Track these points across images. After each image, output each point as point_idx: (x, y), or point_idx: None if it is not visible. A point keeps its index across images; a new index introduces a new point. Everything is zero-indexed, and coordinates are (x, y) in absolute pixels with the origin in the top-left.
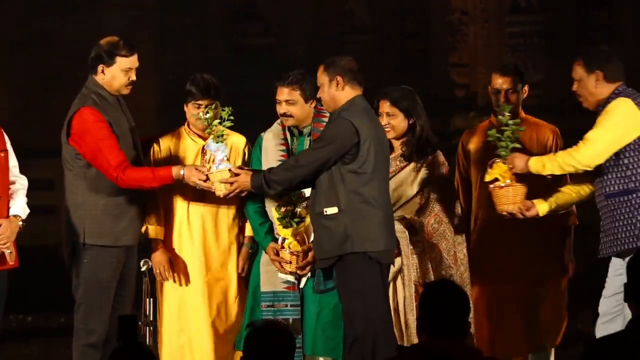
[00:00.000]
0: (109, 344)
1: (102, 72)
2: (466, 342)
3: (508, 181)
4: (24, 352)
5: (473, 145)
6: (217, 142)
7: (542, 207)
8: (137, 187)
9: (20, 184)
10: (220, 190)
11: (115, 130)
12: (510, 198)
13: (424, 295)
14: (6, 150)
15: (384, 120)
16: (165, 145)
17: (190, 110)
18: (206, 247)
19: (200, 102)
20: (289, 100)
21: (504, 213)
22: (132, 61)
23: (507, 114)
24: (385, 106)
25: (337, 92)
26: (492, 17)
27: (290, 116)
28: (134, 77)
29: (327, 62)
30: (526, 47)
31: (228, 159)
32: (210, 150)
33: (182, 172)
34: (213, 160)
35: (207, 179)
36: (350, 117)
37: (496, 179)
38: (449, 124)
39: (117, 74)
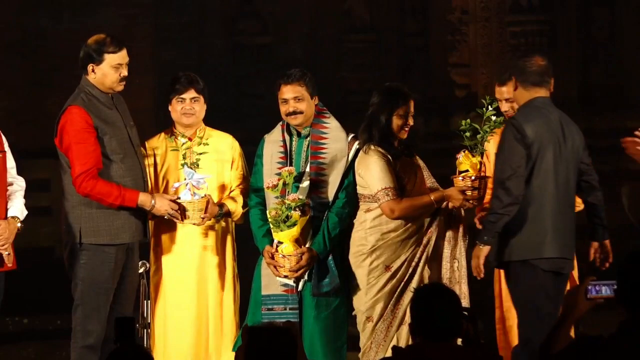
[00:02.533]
0: (107, 346)
1: (93, 71)
2: (458, 344)
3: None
4: (22, 354)
5: (493, 146)
6: (191, 169)
7: None
8: (97, 199)
9: (18, 185)
10: (194, 219)
11: (102, 130)
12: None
13: (415, 299)
14: (4, 152)
15: (410, 121)
16: (150, 147)
17: (174, 106)
18: (201, 252)
19: (183, 95)
20: (297, 97)
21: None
22: (122, 56)
23: (492, 109)
24: (413, 106)
25: (515, 93)
26: (493, 16)
27: (300, 113)
28: (125, 73)
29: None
30: (527, 46)
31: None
32: (187, 177)
33: (152, 202)
34: (192, 191)
35: (179, 208)
36: (518, 118)
37: (466, 171)
38: (448, 124)
39: (108, 72)
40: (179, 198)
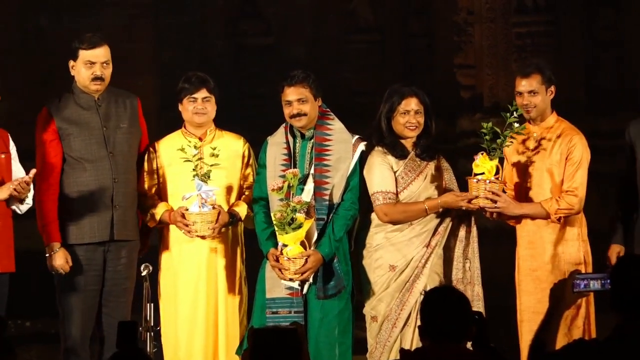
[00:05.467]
0: (97, 347)
1: (73, 68)
2: (467, 347)
3: (492, 178)
4: (24, 357)
5: (509, 148)
6: (201, 181)
7: None
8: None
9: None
10: (203, 231)
11: (65, 130)
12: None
13: (425, 301)
14: (8, 153)
15: (410, 118)
16: (159, 149)
17: (186, 106)
18: (210, 254)
19: (195, 95)
20: (301, 99)
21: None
22: (94, 55)
23: (515, 116)
24: (414, 103)
25: None
26: (498, 17)
27: (304, 114)
28: (97, 72)
29: None
30: (533, 47)
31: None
32: (196, 188)
33: (53, 252)
34: (204, 202)
35: (184, 217)
36: None
37: (482, 173)
38: (454, 125)
39: (80, 69)
40: (187, 209)
